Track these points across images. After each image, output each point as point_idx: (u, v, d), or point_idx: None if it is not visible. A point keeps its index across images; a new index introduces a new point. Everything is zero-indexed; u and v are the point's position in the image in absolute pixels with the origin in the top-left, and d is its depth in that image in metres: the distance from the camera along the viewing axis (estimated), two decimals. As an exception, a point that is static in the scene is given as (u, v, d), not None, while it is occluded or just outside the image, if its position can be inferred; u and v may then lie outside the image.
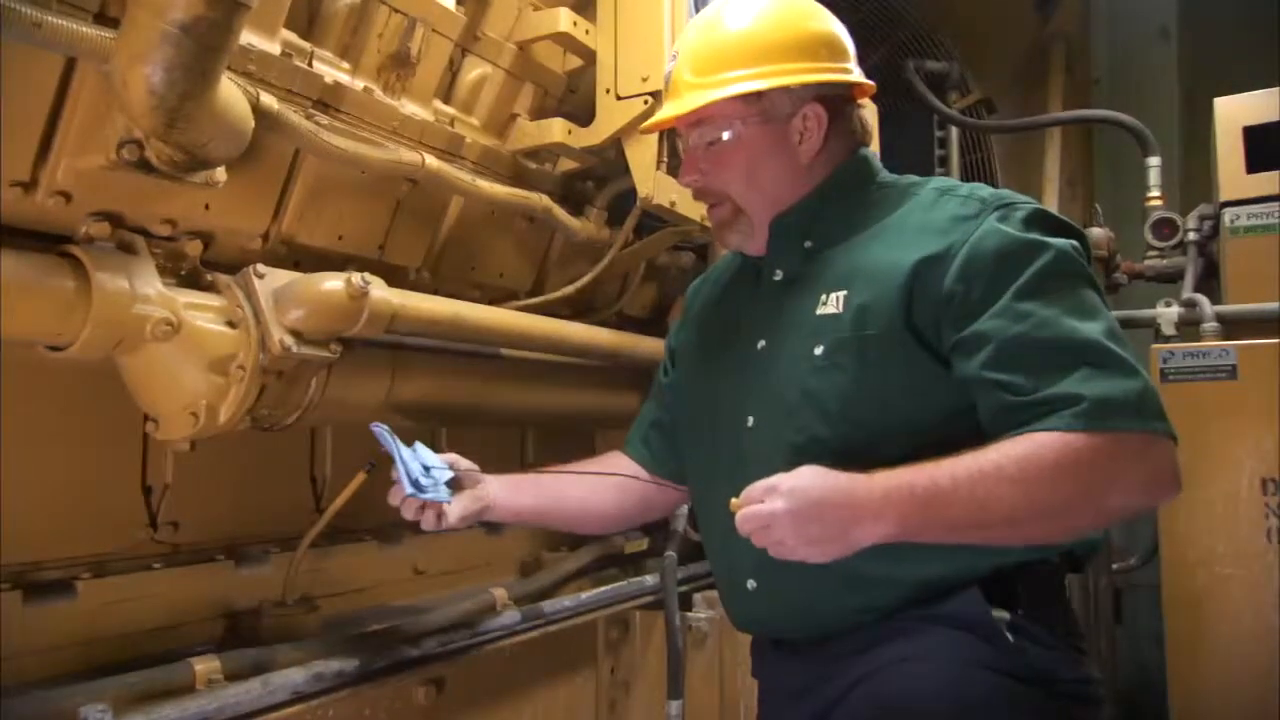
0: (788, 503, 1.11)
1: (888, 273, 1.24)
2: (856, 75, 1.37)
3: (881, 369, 1.23)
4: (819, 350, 1.27)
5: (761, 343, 1.37)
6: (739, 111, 1.32)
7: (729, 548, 1.35)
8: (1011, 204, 1.25)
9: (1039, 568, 1.25)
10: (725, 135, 1.34)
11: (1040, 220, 1.24)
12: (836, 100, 1.36)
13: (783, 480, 1.13)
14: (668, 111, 1.37)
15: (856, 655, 1.24)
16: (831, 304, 1.28)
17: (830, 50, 1.35)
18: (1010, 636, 1.20)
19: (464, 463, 1.51)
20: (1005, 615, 1.21)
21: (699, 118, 1.34)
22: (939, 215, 1.26)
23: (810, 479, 1.13)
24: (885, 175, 1.40)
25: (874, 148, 1.46)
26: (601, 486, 1.58)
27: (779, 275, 1.39)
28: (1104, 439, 1.11)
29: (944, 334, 1.22)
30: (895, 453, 1.16)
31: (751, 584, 1.33)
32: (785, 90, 1.31)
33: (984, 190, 1.29)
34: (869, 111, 1.51)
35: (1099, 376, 1.13)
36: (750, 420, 1.35)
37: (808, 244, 1.36)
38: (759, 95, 1.31)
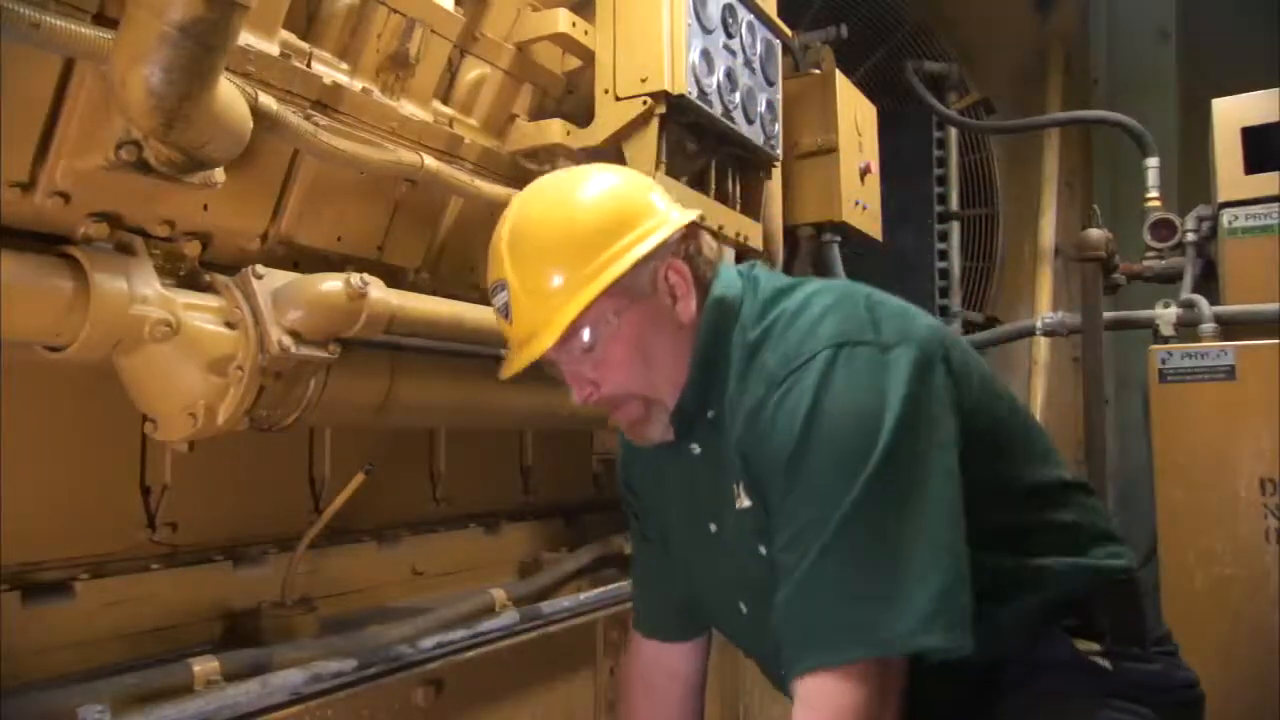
0: None
1: (740, 466, 1.19)
2: (685, 215, 1.25)
3: None
4: (763, 550, 1.18)
5: (713, 526, 1.29)
6: (605, 305, 1.17)
7: (767, 653, 1.30)
8: (798, 369, 1.12)
9: (1104, 588, 1.24)
10: (602, 335, 1.19)
11: (819, 384, 1.10)
12: (678, 246, 1.24)
13: None
14: (538, 346, 1.17)
15: (970, 704, 1.22)
16: (743, 496, 1.21)
17: (653, 204, 1.23)
18: (1108, 665, 1.20)
19: None
20: (1095, 646, 1.21)
21: (567, 333, 1.18)
22: (747, 401, 1.17)
23: None
24: (739, 304, 1.25)
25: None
26: (666, 696, 1.49)
27: (696, 450, 1.28)
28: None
29: None
30: None
31: None
32: (640, 263, 1.18)
33: (785, 344, 1.16)
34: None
35: (797, 607, 1.08)
36: (743, 608, 1.29)
37: (710, 413, 1.25)
38: (616, 282, 1.16)
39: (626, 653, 1.57)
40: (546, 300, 1.17)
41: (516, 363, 1.21)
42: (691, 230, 1.26)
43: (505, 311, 1.22)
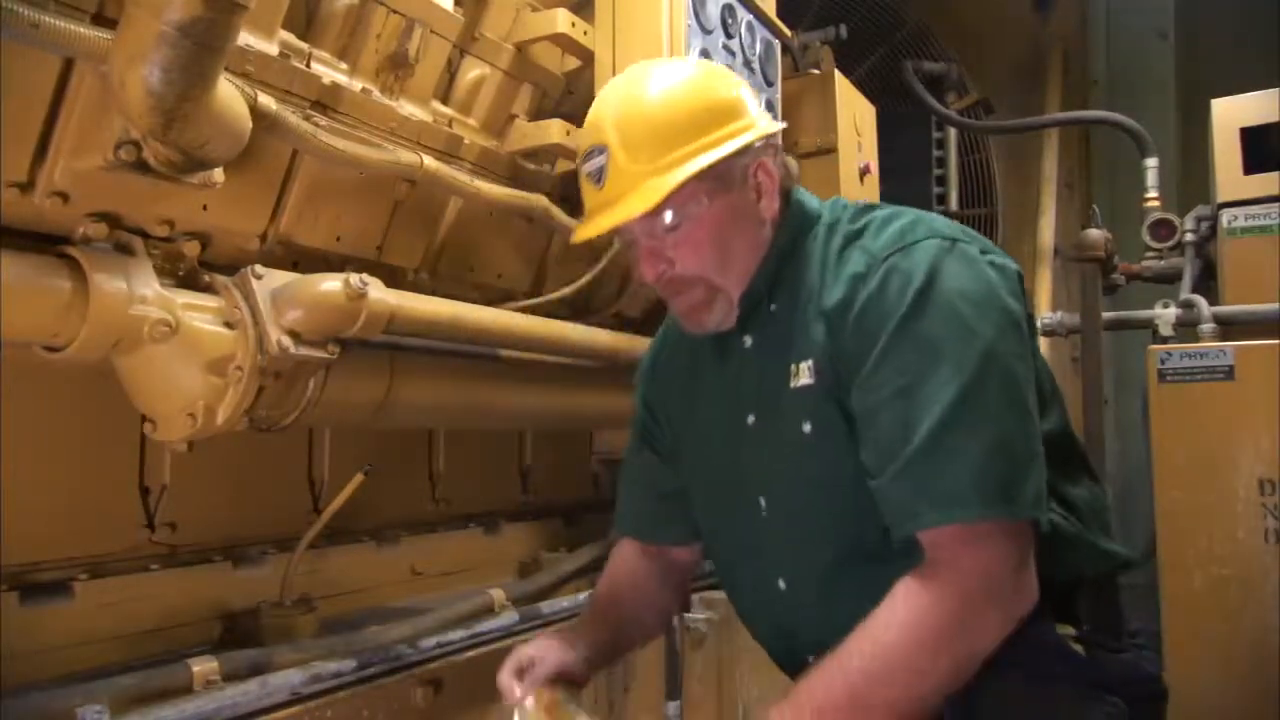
0: None
1: (821, 336, 1.22)
2: (776, 124, 1.32)
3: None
4: (807, 428, 1.22)
5: (750, 418, 1.31)
6: (697, 188, 1.22)
7: (779, 627, 1.33)
8: (905, 249, 1.18)
9: (1094, 579, 1.25)
10: (689, 215, 1.23)
11: (933, 265, 1.15)
12: (768, 151, 1.29)
13: None
14: (632, 208, 1.20)
15: None
16: (803, 374, 1.23)
17: (749, 105, 1.28)
18: (1081, 650, 1.21)
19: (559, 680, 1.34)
20: (1071, 630, 1.22)
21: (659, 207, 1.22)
22: (844, 272, 1.22)
23: None
24: (819, 213, 1.33)
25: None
26: (641, 588, 1.51)
27: (748, 343, 1.33)
28: (939, 583, 1.07)
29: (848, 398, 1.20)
30: None
31: (812, 659, 1.27)
32: (735, 154, 1.23)
33: (885, 234, 1.22)
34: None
35: (926, 463, 1.08)
36: (763, 503, 1.30)
37: (771, 306, 1.30)
38: (712, 166, 1.21)
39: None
40: (646, 170, 1.20)
41: (604, 222, 1.23)
42: (776, 140, 1.32)
43: (598, 175, 1.24)
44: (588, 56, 2.03)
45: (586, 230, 1.27)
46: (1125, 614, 1.32)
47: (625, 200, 1.21)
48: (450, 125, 1.91)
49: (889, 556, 1.14)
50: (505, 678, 1.29)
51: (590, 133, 1.27)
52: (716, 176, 1.23)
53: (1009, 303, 1.16)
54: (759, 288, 1.30)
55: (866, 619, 1.10)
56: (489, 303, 1.99)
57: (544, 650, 1.31)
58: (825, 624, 1.19)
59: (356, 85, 1.68)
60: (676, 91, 1.24)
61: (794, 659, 1.33)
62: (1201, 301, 2.96)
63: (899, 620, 1.08)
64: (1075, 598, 1.23)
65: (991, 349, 1.11)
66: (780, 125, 1.33)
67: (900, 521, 1.11)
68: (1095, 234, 3.20)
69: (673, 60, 1.36)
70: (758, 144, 1.26)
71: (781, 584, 1.29)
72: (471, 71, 1.98)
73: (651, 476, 1.50)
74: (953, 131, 4.11)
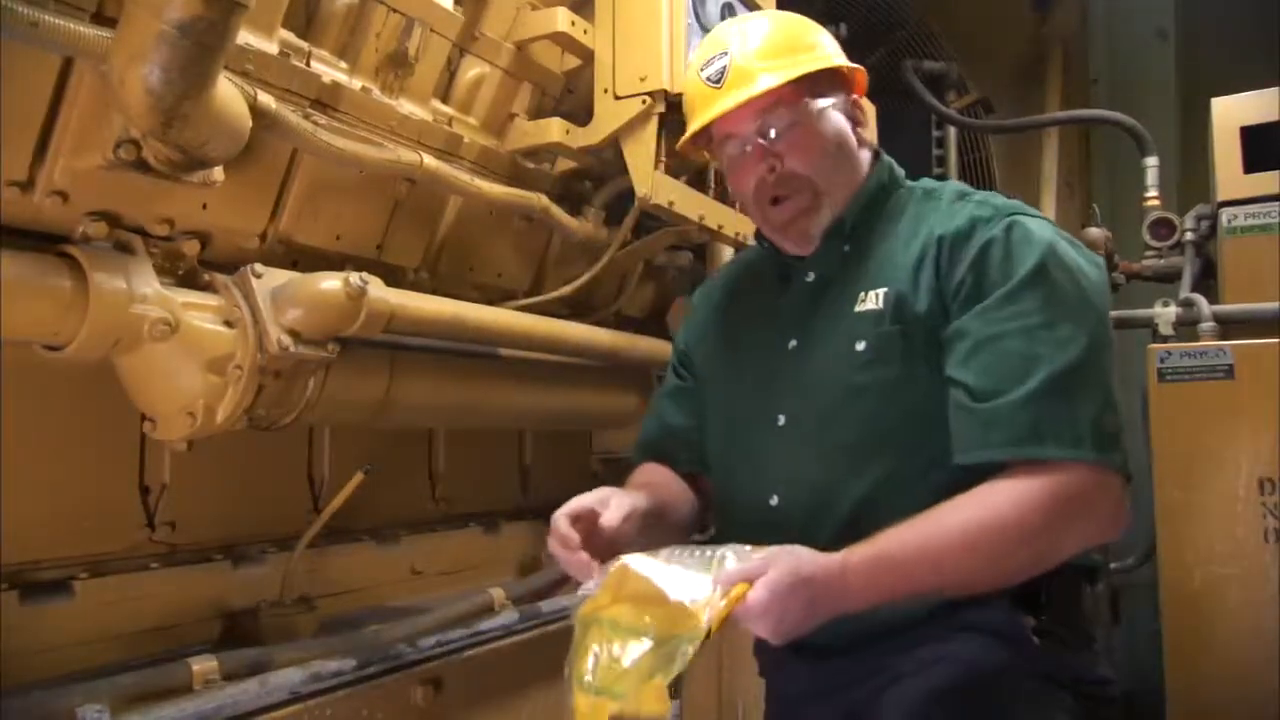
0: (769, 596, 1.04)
1: (916, 265, 1.28)
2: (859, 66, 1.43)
3: (925, 357, 1.24)
4: (861, 346, 1.27)
5: (793, 342, 1.36)
6: (814, 91, 1.33)
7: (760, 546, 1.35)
8: (1028, 214, 1.27)
9: (1061, 574, 1.25)
10: (801, 116, 1.32)
11: (1054, 236, 1.25)
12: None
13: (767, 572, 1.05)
14: (754, 88, 1.29)
15: (885, 659, 1.25)
16: (871, 300, 1.29)
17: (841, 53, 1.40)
18: (1037, 641, 1.23)
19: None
20: (1030, 620, 1.24)
21: (773, 100, 1.31)
22: (960, 215, 1.28)
23: (786, 573, 1.05)
24: (906, 179, 1.43)
25: None
26: (670, 484, 1.50)
27: (811, 277, 1.39)
28: (1051, 482, 1.12)
29: (944, 323, 1.24)
30: (946, 442, 1.19)
31: None
32: (838, 79, 1.36)
33: (1000, 198, 1.32)
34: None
35: (1051, 399, 1.14)
36: (781, 419, 1.34)
37: (846, 248, 1.37)
38: (820, 82, 1.33)
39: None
40: (766, 66, 1.31)
41: (728, 100, 1.31)
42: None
43: (719, 76, 1.33)
44: (588, 55, 2.03)
45: (708, 113, 1.33)
46: (1089, 616, 1.33)
47: (745, 87, 1.30)
48: (450, 124, 1.91)
49: (898, 480, 1.22)
50: (563, 524, 1.21)
51: (709, 45, 1.38)
52: (828, 90, 1.34)
53: (1105, 288, 1.26)
54: (846, 220, 1.36)
55: (952, 503, 1.13)
56: (489, 302, 1.99)
57: (605, 496, 1.26)
58: (807, 542, 1.17)
59: (356, 84, 1.67)
60: (785, 18, 1.40)
61: None
62: (1201, 300, 2.96)
63: (1001, 499, 1.12)
64: (1040, 589, 1.24)
65: (1103, 321, 1.22)
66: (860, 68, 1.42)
67: (1011, 444, 1.14)
68: (1095, 233, 3.20)
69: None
70: (849, 85, 1.38)
71: (774, 500, 1.32)
72: (471, 70, 1.98)
73: (681, 409, 1.54)
74: (953, 131, 4.10)
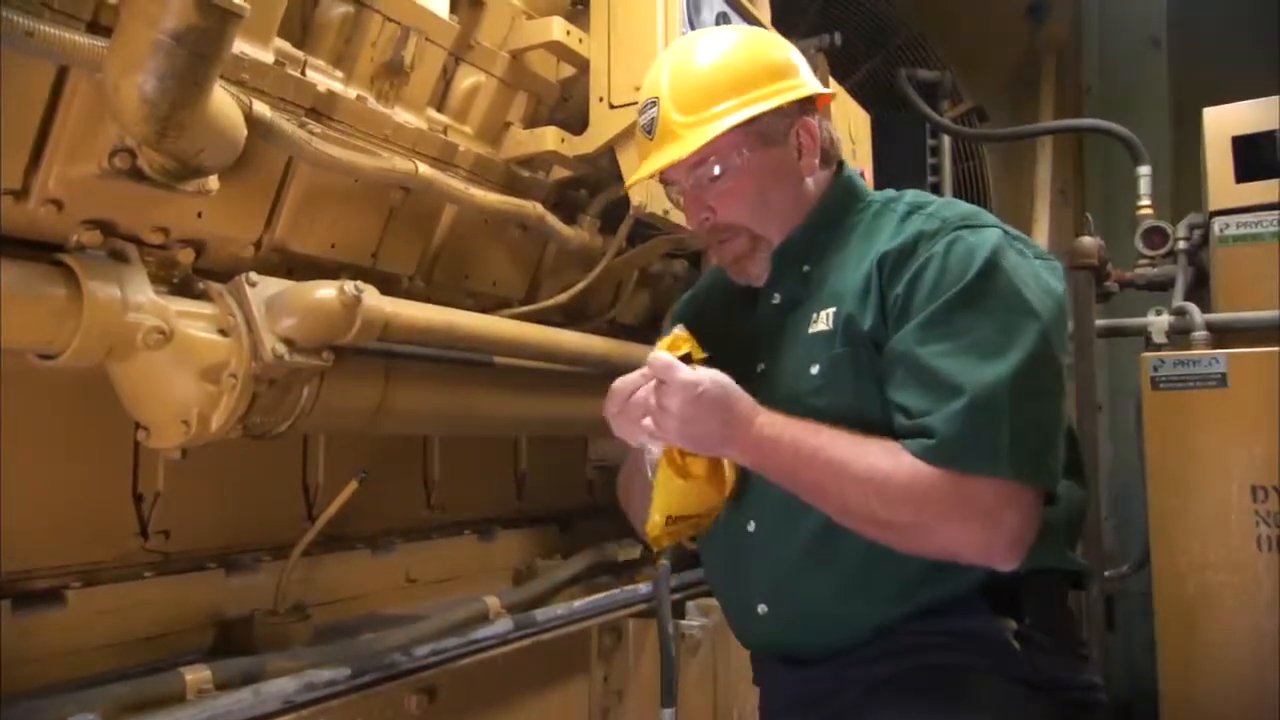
0: (685, 397, 1.19)
1: (864, 283, 1.27)
2: (823, 89, 1.40)
3: (875, 378, 1.24)
4: (815, 369, 1.28)
5: (761, 365, 1.37)
6: (739, 141, 1.32)
7: (737, 575, 1.37)
8: (974, 226, 1.25)
9: (1043, 578, 1.27)
10: (730, 166, 1.33)
11: (999, 246, 1.23)
12: (812, 111, 1.38)
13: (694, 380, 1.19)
14: (671, 155, 1.31)
15: (869, 666, 1.26)
16: (822, 321, 1.30)
17: (796, 69, 1.37)
18: (1017, 645, 1.23)
19: None
20: (1012, 625, 1.24)
21: (700, 156, 1.32)
22: (907, 230, 1.28)
23: (725, 383, 1.21)
24: (869, 194, 1.42)
25: (864, 160, 1.45)
26: None
27: (776, 299, 1.40)
28: (950, 479, 1.13)
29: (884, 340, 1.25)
30: None
31: (763, 609, 1.33)
32: (777, 112, 1.32)
33: (954, 209, 1.30)
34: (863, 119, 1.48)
35: (972, 418, 1.14)
36: None
37: (805, 268, 1.37)
38: (754, 122, 1.31)
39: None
40: (690, 122, 1.31)
41: (649, 166, 1.35)
42: (824, 108, 1.43)
43: (650, 127, 1.35)
44: (583, 64, 2.04)
45: (637, 175, 1.39)
46: (1068, 621, 1.33)
47: (668, 148, 1.32)
48: (445, 133, 1.92)
49: None
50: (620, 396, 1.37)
51: (646, 88, 1.38)
52: (758, 132, 1.32)
53: (1060, 296, 1.25)
54: (798, 244, 1.38)
55: (869, 440, 1.18)
56: (484, 310, 1.99)
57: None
58: (779, 566, 1.29)
59: (352, 93, 1.68)
60: (725, 52, 1.35)
61: (744, 612, 1.37)
62: (1194, 309, 2.97)
63: (904, 462, 1.15)
64: (1022, 593, 1.24)
65: (1046, 332, 1.19)
66: (828, 90, 1.41)
67: (941, 458, 1.14)
68: (1089, 241, 3.21)
69: (729, 26, 1.44)
70: (799, 106, 1.34)
71: (751, 526, 1.33)
72: (467, 79, 1.98)
73: None
74: (947, 139, 4.12)
